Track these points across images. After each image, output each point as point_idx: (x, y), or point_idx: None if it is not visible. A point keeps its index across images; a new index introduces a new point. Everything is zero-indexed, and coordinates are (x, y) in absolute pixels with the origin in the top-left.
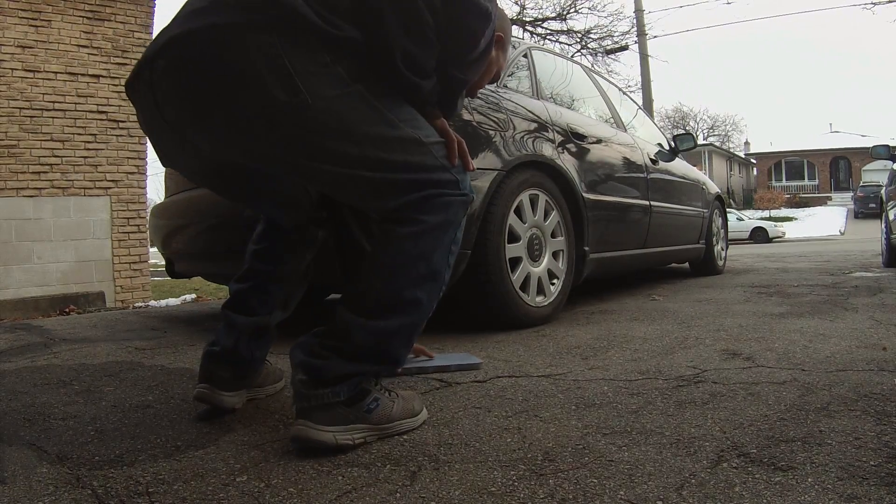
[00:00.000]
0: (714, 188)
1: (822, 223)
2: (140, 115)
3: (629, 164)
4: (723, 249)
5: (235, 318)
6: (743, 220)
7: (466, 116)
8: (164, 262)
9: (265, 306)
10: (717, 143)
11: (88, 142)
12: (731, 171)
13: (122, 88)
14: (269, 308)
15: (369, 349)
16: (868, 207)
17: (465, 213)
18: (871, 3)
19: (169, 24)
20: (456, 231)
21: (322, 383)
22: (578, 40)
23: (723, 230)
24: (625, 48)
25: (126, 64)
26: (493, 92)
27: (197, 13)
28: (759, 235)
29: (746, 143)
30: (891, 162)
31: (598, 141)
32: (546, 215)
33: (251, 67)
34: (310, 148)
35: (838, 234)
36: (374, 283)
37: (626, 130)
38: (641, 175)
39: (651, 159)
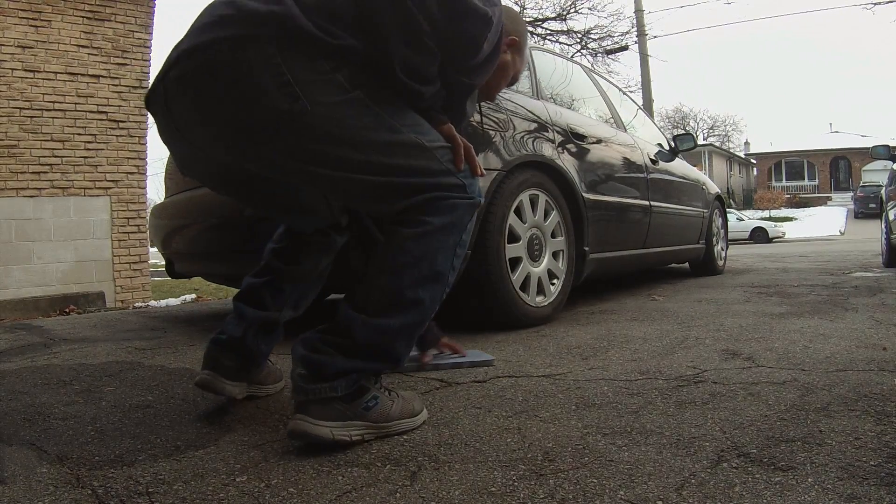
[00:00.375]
0: (714, 188)
1: (822, 223)
2: (158, 126)
3: (629, 164)
4: (723, 249)
5: (245, 310)
6: (743, 220)
7: None
8: (164, 262)
9: (277, 303)
10: (717, 144)
11: (88, 142)
12: (731, 171)
13: (123, 88)
14: (281, 305)
15: (369, 347)
16: (868, 207)
17: (471, 217)
18: (872, 4)
19: (181, 40)
20: (461, 234)
21: (321, 378)
22: (578, 40)
23: (723, 230)
24: (625, 48)
25: (126, 64)
26: None
27: (205, 28)
28: (759, 235)
29: (746, 143)
30: (891, 162)
31: (598, 141)
32: (546, 215)
33: (252, 77)
34: (311, 153)
35: (838, 234)
36: (378, 281)
37: (626, 130)
38: (641, 175)
39: (651, 159)
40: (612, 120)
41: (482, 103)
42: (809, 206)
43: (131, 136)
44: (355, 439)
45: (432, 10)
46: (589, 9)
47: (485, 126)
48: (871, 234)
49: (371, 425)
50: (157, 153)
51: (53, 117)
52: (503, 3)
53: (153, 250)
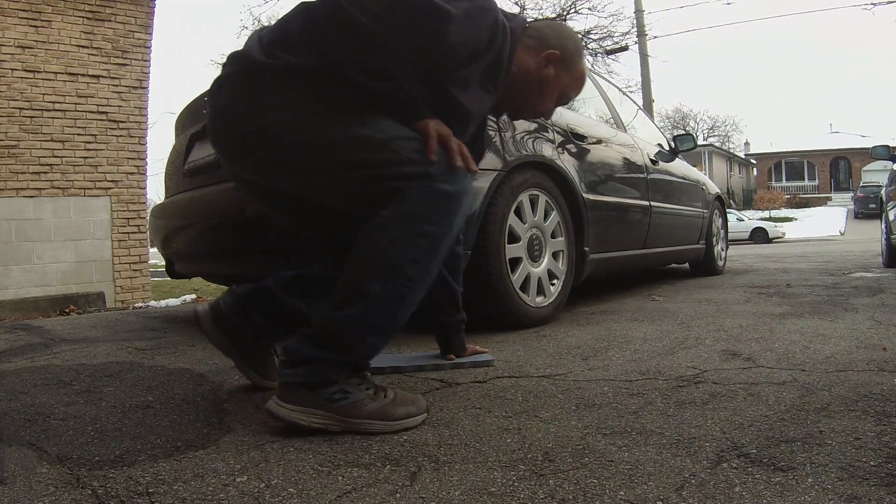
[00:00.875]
0: (714, 188)
1: (822, 223)
2: None
3: (629, 164)
4: (723, 250)
5: (266, 277)
6: (743, 220)
7: None
8: (164, 262)
9: (297, 291)
10: (717, 144)
11: (88, 142)
12: (731, 171)
13: (123, 88)
14: (298, 295)
15: (326, 337)
16: (868, 208)
17: (436, 207)
18: (871, 4)
19: None
20: (423, 224)
21: (290, 364)
22: None
23: (723, 230)
24: (625, 48)
25: (126, 64)
26: None
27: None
28: (759, 236)
29: (746, 144)
30: (891, 162)
31: (598, 141)
32: (546, 215)
33: (230, 104)
34: (279, 160)
35: (838, 234)
36: (343, 275)
37: (626, 131)
38: (641, 175)
39: (651, 160)
40: (612, 120)
41: None
42: (809, 207)
43: (131, 136)
44: (314, 426)
45: (375, 8)
46: (589, 9)
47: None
48: (871, 235)
49: (336, 418)
50: (157, 153)
51: (53, 117)
52: (505, 7)
53: (153, 250)
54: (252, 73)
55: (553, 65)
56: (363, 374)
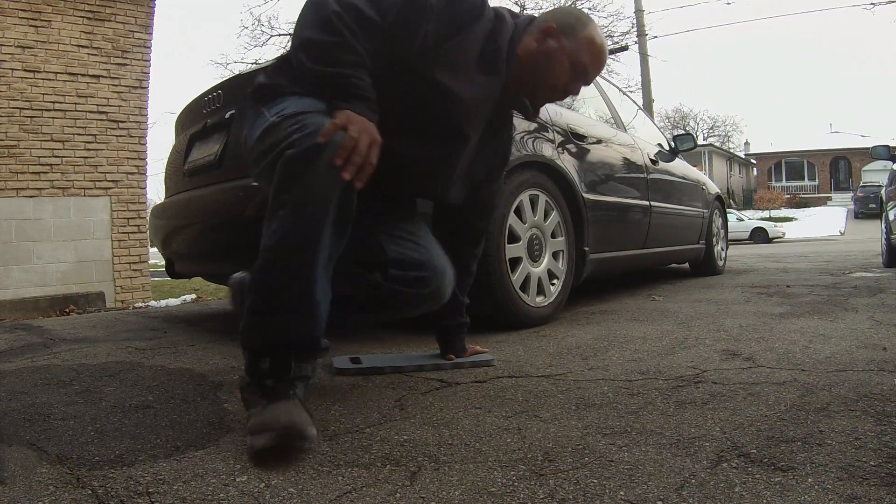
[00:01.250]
0: (714, 188)
1: (822, 223)
2: None
3: (629, 164)
4: (723, 250)
5: None
6: (743, 220)
7: None
8: (164, 262)
9: None
10: (717, 144)
11: (88, 142)
12: (731, 171)
13: (123, 88)
14: None
15: None
16: (868, 208)
17: (286, 175)
18: (871, 4)
19: None
20: (279, 196)
21: None
22: None
23: (723, 230)
24: (625, 48)
25: (126, 64)
26: None
27: None
28: (759, 236)
29: (746, 144)
30: (891, 162)
31: (598, 141)
32: (546, 215)
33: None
34: (252, 164)
35: (838, 234)
36: None
37: (626, 131)
38: (641, 175)
39: (651, 160)
40: (612, 120)
41: None
42: (809, 207)
43: (131, 136)
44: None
45: None
46: (589, 9)
47: None
48: (871, 235)
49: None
50: (157, 153)
51: (53, 117)
52: (500, 2)
53: (153, 250)
54: (250, 98)
55: (552, 37)
56: (260, 373)
